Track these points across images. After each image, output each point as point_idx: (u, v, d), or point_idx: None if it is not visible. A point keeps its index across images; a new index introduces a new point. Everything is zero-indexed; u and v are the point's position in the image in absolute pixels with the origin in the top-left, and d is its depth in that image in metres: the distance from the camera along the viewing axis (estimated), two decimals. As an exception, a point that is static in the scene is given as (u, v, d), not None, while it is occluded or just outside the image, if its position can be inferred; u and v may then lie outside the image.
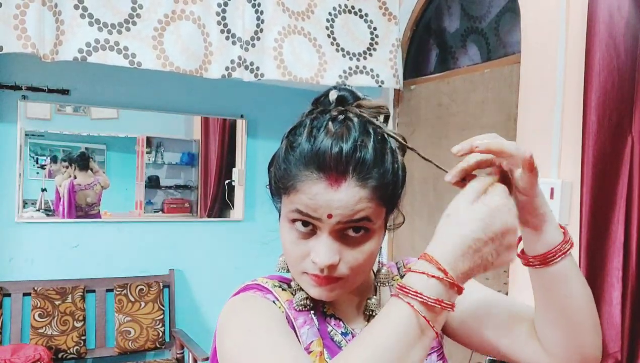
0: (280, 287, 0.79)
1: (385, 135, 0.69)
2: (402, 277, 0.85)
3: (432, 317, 0.56)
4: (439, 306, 0.56)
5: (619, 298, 1.71)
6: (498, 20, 2.47)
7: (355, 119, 0.68)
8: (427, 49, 2.91)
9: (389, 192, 0.69)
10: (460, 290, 0.57)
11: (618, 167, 1.73)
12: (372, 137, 0.67)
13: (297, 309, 0.76)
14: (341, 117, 0.69)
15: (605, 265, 1.74)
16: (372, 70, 2.83)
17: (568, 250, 0.67)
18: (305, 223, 0.69)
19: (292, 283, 0.79)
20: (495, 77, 2.38)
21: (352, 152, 0.65)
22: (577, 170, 1.82)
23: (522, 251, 0.70)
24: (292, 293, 0.78)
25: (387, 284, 0.82)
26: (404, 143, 0.70)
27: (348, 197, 0.65)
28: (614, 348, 1.74)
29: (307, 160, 0.67)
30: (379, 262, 0.79)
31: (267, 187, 0.77)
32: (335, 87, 0.74)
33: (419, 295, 0.56)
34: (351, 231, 0.68)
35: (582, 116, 1.79)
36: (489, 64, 2.45)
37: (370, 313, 0.79)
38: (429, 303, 0.55)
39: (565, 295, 0.68)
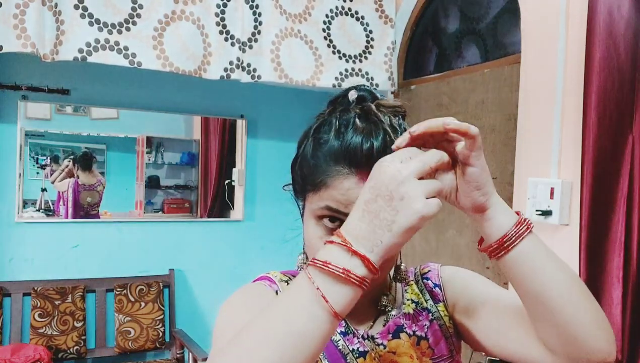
0: (287, 282, 0.80)
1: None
2: (416, 282, 0.85)
3: (327, 285, 0.54)
4: (327, 268, 0.54)
5: (620, 298, 1.71)
6: (497, 21, 2.47)
7: (381, 116, 0.69)
8: (427, 49, 2.91)
9: None
10: (363, 258, 0.54)
11: (618, 167, 1.73)
12: (399, 133, 0.67)
13: None
14: (366, 114, 0.69)
15: (605, 265, 1.74)
16: (367, 73, 2.84)
17: (525, 231, 0.63)
18: (332, 219, 0.69)
19: None
20: (495, 77, 2.38)
21: (382, 147, 0.65)
22: (577, 170, 1.82)
23: (484, 245, 0.67)
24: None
25: (402, 282, 0.82)
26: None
27: None
28: (614, 348, 1.74)
29: (337, 156, 0.67)
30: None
31: (287, 187, 0.78)
32: (354, 88, 0.74)
33: (313, 261, 0.56)
34: None
35: (582, 116, 1.79)
36: (489, 64, 2.45)
37: (383, 309, 0.79)
38: (317, 265, 0.55)
39: (539, 282, 0.63)
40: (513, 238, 0.63)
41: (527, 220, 0.64)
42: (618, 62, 1.71)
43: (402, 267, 0.81)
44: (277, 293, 0.78)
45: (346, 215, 0.65)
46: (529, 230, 0.64)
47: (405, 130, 0.70)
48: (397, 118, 0.71)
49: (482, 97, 2.44)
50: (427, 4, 2.85)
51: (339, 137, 0.67)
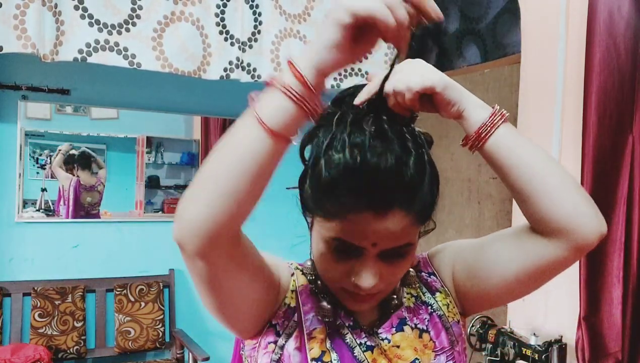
0: (302, 271, 0.81)
1: (420, 142, 0.69)
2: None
3: (263, 96, 0.59)
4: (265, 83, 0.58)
5: (620, 298, 1.71)
6: (497, 21, 2.47)
7: (394, 135, 0.65)
8: (427, 49, 2.91)
9: (429, 211, 0.69)
10: (289, 63, 0.57)
11: (618, 167, 1.73)
12: (412, 153, 0.65)
13: (319, 318, 0.76)
14: (378, 130, 0.66)
15: (605, 265, 1.74)
16: (366, 72, 2.84)
17: (499, 120, 0.69)
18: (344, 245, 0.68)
19: (320, 284, 0.78)
20: (495, 77, 2.38)
21: (397, 177, 0.63)
22: (577, 170, 1.82)
23: (465, 140, 0.72)
24: (309, 281, 0.80)
25: (408, 286, 0.82)
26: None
27: (394, 225, 0.65)
28: (614, 348, 1.74)
29: (351, 186, 0.63)
30: None
31: (291, 188, 0.77)
32: (362, 88, 0.72)
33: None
34: (392, 252, 0.68)
35: (582, 116, 1.79)
36: (489, 64, 2.45)
37: (390, 310, 0.80)
38: (265, 81, 0.60)
39: (520, 162, 0.68)
40: (488, 128, 0.68)
41: (501, 111, 0.69)
42: (618, 62, 1.71)
43: (410, 272, 0.81)
44: (292, 275, 0.80)
45: (360, 247, 0.67)
46: (502, 119, 0.69)
47: (420, 140, 0.69)
48: (409, 127, 0.70)
49: (482, 97, 2.42)
50: (427, 4, 2.85)
51: (353, 163, 0.63)
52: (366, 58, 2.85)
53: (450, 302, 0.82)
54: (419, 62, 0.71)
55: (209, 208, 0.58)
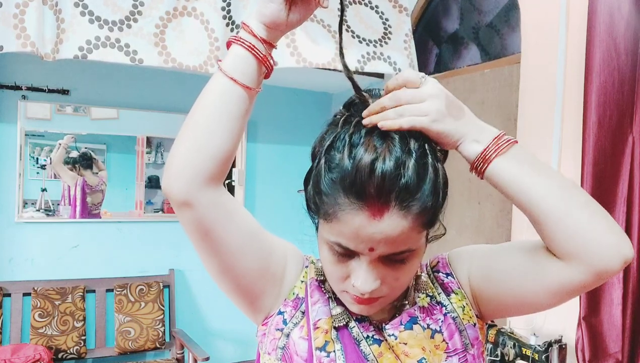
0: (314, 265, 0.82)
1: (426, 147, 0.67)
2: (428, 276, 0.84)
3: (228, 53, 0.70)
4: (235, 41, 0.69)
5: (620, 299, 1.71)
6: (497, 21, 2.47)
7: (397, 137, 0.65)
8: (428, 49, 2.91)
9: (430, 216, 0.66)
10: (243, 25, 0.69)
11: (618, 167, 1.73)
12: (413, 155, 0.64)
13: (336, 326, 0.76)
14: (379, 136, 0.66)
15: (605, 265, 1.74)
16: (389, 57, 2.79)
17: (492, 155, 0.67)
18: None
19: (328, 286, 0.78)
20: (495, 77, 2.38)
21: (394, 178, 0.62)
22: (577, 170, 1.82)
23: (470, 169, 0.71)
24: (320, 281, 0.80)
25: (422, 291, 0.81)
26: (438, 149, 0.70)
27: (391, 228, 0.63)
28: (614, 348, 1.74)
29: (347, 186, 0.63)
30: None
31: (301, 191, 0.76)
32: (371, 93, 0.71)
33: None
34: (393, 256, 0.67)
35: (582, 116, 1.79)
36: (489, 64, 2.45)
37: (400, 309, 0.79)
38: (230, 40, 0.70)
39: (521, 193, 0.66)
40: (482, 162, 0.68)
41: (498, 143, 0.67)
42: (618, 62, 1.71)
43: (422, 277, 0.80)
44: (306, 267, 0.81)
45: (357, 252, 0.66)
46: (496, 153, 0.67)
47: (425, 142, 0.68)
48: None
49: (482, 97, 2.44)
50: (428, 3, 2.85)
51: (350, 163, 0.63)
52: (386, 43, 2.80)
53: (466, 304, 0.80)
54: (428, 91, 0.68)
55: (188, 151, 0.66)
